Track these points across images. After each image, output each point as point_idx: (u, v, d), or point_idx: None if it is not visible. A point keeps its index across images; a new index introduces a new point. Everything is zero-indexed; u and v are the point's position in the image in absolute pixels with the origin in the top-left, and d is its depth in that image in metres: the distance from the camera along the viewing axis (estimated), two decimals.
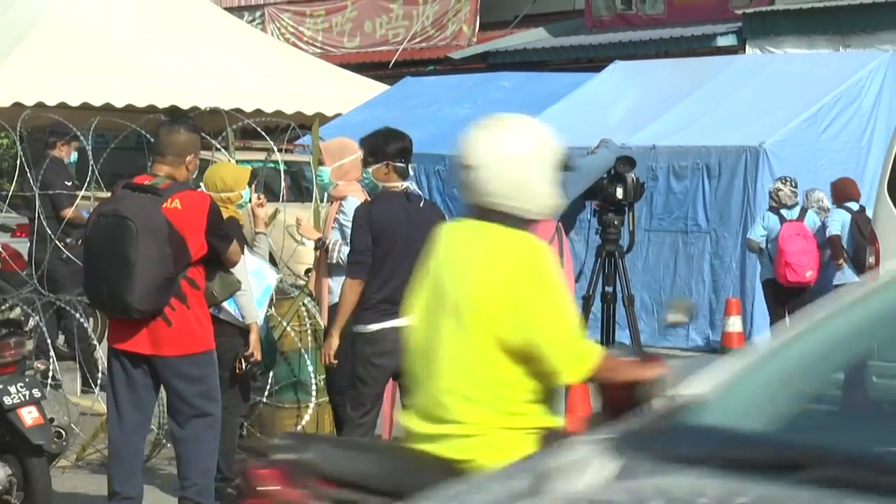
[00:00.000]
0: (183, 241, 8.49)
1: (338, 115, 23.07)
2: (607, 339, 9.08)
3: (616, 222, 9.08)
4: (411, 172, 9.45)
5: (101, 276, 8.59)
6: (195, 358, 8.69)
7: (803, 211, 16.23)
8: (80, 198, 14.54)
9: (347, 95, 24.12)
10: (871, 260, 11.74)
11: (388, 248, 9.05)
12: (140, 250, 8.40)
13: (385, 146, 9.35)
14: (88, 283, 8.83)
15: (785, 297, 16.21)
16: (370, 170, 9.32)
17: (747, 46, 24.70)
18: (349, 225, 9.87)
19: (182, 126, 8.88)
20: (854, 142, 18.17)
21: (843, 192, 16.30)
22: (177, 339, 8.60)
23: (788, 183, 16.28)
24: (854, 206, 16.10)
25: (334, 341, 9.25)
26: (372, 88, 24.51)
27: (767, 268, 16.26)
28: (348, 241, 9.84)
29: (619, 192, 8.94)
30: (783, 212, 16.10)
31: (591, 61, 24.58)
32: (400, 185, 9.28)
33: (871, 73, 18.54)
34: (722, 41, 25.12)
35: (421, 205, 9.17)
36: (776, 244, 15.94)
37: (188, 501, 8.70)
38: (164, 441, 10.98)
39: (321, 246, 10.16)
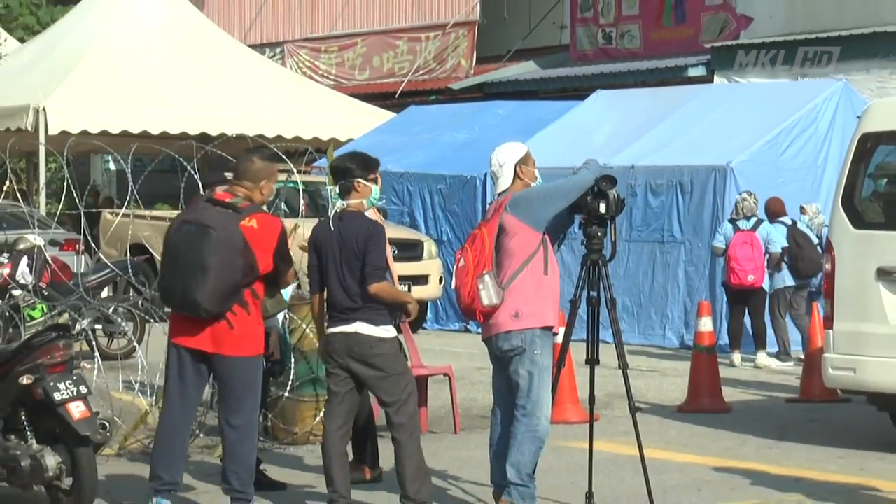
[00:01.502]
0: (254, 256, 8.54)
1: (350, 139, 23.09)
2: (592, 337, 9.04)
3: (599, 234, 9.04)
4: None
5: (177, 275, 8.64)
6: (249, 360, 8.70)
7: (758, 222, 16.41)
8: (120, 215, 14.54)
9: (358, 122, 24.16)
10: (827, 266, 11.71)
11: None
12: (216, 257, 8.47)
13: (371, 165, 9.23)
14: (163, 279, 8.88)
15: (738, 298, 16.48)
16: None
17: (715, 77, 24.73)
18: None
19: (257, 155, 8.91)
20: (811, 161, 18.19)
21: (774, 210, 16.68)
22: (236, 342, 8.62)
23: (752, 196, 16.56)
24: (787, 220, 16.49)
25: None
26: (380, 116, 24.54)
27: (724, 272, 16.51)
28: None
29: (602, 207, 8.90)
30: (739, 222, 16.34)
31: (576, 90, 24.59)
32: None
33: (825, 101, 18.55)
34: (692, 72, 25.15)
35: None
36: (727, 251, 16.28)
37: (233, 492, 8.68)
38: (198, 431, 10.98)
39: None
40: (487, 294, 8.48)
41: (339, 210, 8.86)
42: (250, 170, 8.77)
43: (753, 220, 16.51)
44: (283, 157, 13.59)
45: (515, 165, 8.77)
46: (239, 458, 8.65)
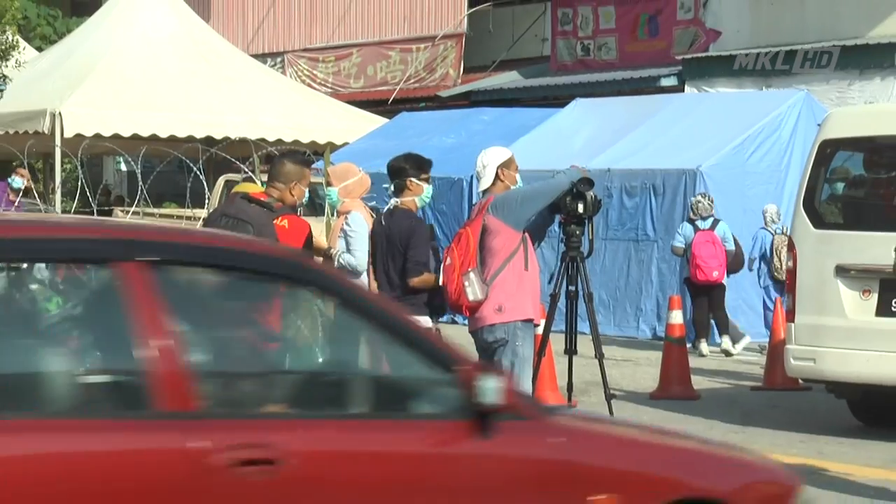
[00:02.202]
0: None
1: (345, 143, 23.07)
2: (570, 328, 9.06)
3: (578, 232, 9.07)
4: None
5: None
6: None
7: (715, 222, 16.51)
8: (130, 213, 14.49)
9: (353, 127, 24.13)
10: (790, 264, 11.72)
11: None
12: None
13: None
14: None
15: (700, 292, 16.54)
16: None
17: (686, 86, 24.74)
18: (353, 235, 9.89)
19: (288, 158, 8.87)
20: (775, 166, 18.21)
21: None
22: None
23: (706, 197, 16.65)
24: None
25: None
26: (373, 121, 24.51)
27: (686, 269, 16.56)
28: (350, 249, 9.88)
29: (580, 208, 8.93)
30: (697, 223, 16.40)
31: (556, 99, 24.59)
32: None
33: (788, 109, 18.58)
34: (665, 82, 25.15)
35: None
36: (691, 249, 16.24)
37: None
38: None
39: (327, 255, 10.11)
40: (472, 290, 8.50)
41: (391, 207, 8.91)
42: (282, 172, 8.71)
43: (710, 220, 16.61)
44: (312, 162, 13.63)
45: (498, 168, 8.79)
46: None
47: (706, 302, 16.75)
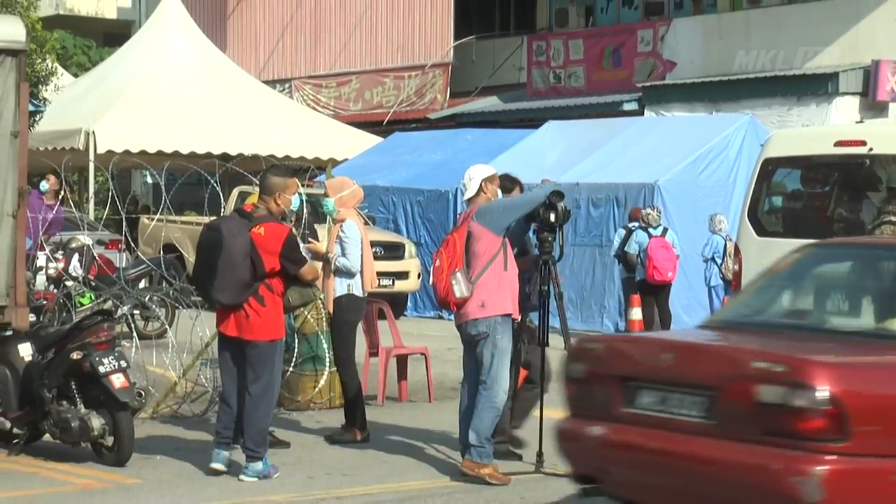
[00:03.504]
0: (260, 257, 8.51)
1: (345, 159, 23.08)
2: (543, 323, 9.06)
3: (550, 239, 9.07)
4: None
5: (200, 272, 8.73)
6: (265, 344, 8.64)
7: (665, 230, 16.53)
8: (154, 220, 14.47)
9: (352, 145, 24.14)
10: (736, 267, 11.75)
11: None
12: (222, 259, 8.49)
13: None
14: (194, 276, 8.97)
15: (650, 291, 16.49)
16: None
17: (645, 110, 24.79)
18: (347, 241, 9.92)
19: (271, 172, 8.94)
20: (723, 181, 18.23)
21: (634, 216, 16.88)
22: (254, 328, 8.59)
23: (655, 209, 16.70)
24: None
25: None
26: (370, 140, 24.52)
27: (640, 271, 16.52)
28: (344, 253, 9.87)
29: (552, 217, 8.94)
30: (650, 230, 16.42)
31: (532, 121, 24.60)
32: None
33: (735, 131, 18.61)
34: (627, 106, 25.20)
35: None
36: (646, 254, 16.25)
37: (246, 450, 8.70)
38: (218, 399, 10.93)
39: (325, 258, 10.10)
40: (459, 288, 8.52)
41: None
42: (265, 185, 8.81)
43: (660, 228, 16.63)
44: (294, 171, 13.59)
45: (482, 181, 8.83)
46: (252, 422, 8.63)
47: (654, 300, 16.76)
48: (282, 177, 8.83)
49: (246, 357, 8.66)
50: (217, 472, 8.71)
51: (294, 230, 9.24)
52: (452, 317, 8.93)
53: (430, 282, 8.78)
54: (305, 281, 8.80)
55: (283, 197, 8.75)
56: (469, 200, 8.86)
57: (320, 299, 10.37)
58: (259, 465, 8.65)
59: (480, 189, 8.81)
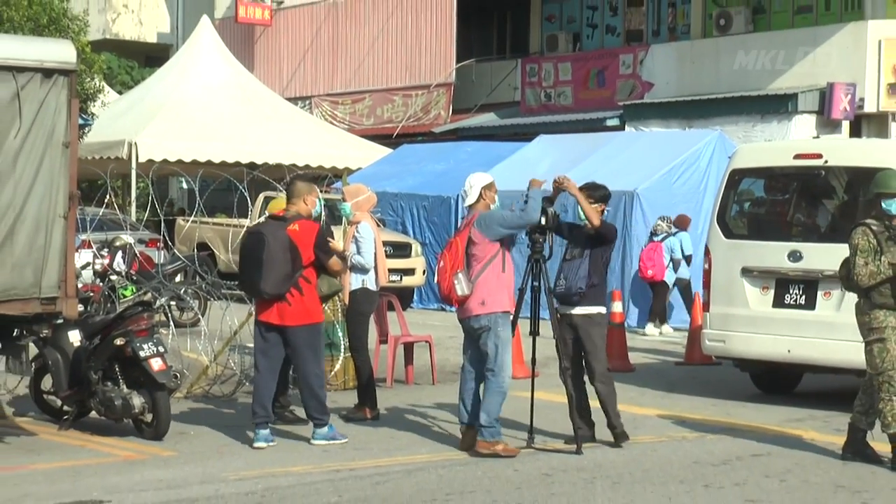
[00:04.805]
0: (298, 250, 8.72)
1: (359, 168, 23.06)
2: (534, 316, 9.05)
3: (541, 240, 9.08)
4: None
5: (246, 269, 8.83)
6: (305, 327, 8.80)
7: (666, 236, 16.64)
8: (189, 221, 14.44)
9: (365, 156, 24.12)
10: (706, 266, 11.73)
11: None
12: (267, 255, 8.65)
13: (595, 193, 9.47)
14: (240, 274, 9.05)
15: (650, 287, 16.63)
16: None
17: (626, 126, 24.78)
18: (362, 241, 9.96)
19: (297, 179, 9.32)
20: (695, 189, 18.21)
21: (680, 223, 17.20)
22: (295, 315, 8.74)
23: (665, 220, 16.79)
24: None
25: None
26: (381, 151, 24.51)
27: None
28: (360, 251, 9.89)
29: (543, 220, 8.96)
30: (654, 238, 16.58)
31: (525, 135, 24.58)
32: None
33: (706, 145, 18.58)
34: (610, 122, 25.18)
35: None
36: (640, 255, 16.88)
37: (312, 417, 8.91)
38: (245, 381, 10.95)
39: (342, 255, 10.11)
40: (461, 287, 8.53)
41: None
42: (292, 190, 9.03)
43: (662, 235, 16.80)
44: (305, 177, 13.59)
45: (481, 189, 8.83)
46: (312, 394, 8.84)
47: (652, 294, 16.97)
48: (306, 182, 9.13)
49: (290, 342, 8.78)
50: (262, 449, 8.74)
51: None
52: (454, 310, 8.93)
53: (436, 279, 8.79)
54: (333, 272, 8.98)
55: (309, 198, 8.99)
56: (470, 206, 8.85)
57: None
58: (325, 429, 8.90)
59: (480, 196, 8.82)
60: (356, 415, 10.02)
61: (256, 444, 8.79)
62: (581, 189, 9.39)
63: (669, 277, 16.94)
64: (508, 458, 8.47)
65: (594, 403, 9.11)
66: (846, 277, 8.58)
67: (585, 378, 9.14)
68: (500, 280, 8.62)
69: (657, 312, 16.93)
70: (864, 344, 8.50)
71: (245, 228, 9.48)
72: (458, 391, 8.96)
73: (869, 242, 8.38)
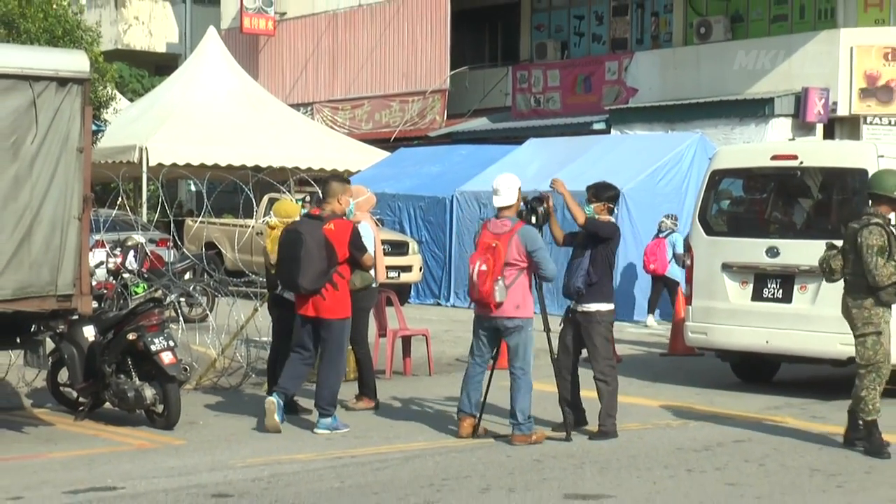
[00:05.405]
0: (333, 248, 8.80)
1: (359, 170, 23.04)
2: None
3: None
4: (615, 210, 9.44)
5: (285, 266, 8.90)
6: (337, 321, 8.89)
7: (670, 233, 16.67)
8: (198, 222, 14.42)
9: (364, 159, 24.11)
10: (688, 262, 11.74)
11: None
12: (305, 252, 8.71)
13: (602, 193, 9.35)
14: (279, 270, 9.12)
15: (653, 280, 16.87)
16: (593, 206, 9.38)
17: (612, 129, 24.78)
18: (363, 239, 9.89)
19: (332, 179, 9.30)
20: (677, 189, 18.23)
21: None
22: (329, 309, 8.83)
23: (670, 218, 16.82)
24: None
25: None
26: (379, 154, 24.50)
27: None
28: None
29: (534, 219, 8.98)
30: (659, 234, 16.67)
31: (516, 138, 24.57)
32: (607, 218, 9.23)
33: (687, 147, 18.59)
34: (596, 126, 25.19)
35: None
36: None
37: (319, 407, 8.94)
38: (251, 373, 10.94)
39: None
40: (501, 293, 8.51)
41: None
42: (327, 190, 9.09)
43: (666, 231, 16.83)
44: (312, 181, 13.55)
45: (518, 189, 8.82)
46: (327, 385, 8.87)
47: (653, 288, 17.04)
48: (340, 182, 9.15)
49: (322, 335, 8.86)
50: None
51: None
52: (472, 306, 8.86)
53: (472, 278, 8.52)
54: (365, 267, 9.10)
55: (343, 198, 9.04)
56: (504, 208, 8.78)
57: None
58: (329, 420, 8.91)
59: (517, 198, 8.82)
60: (357, 405, 10.02)
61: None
62: (591, 187, 9.41)
63: (672, 272, 16.95)
64: (536, 444, 8.52)
65: (591, 394, 9.11)
66: (830, 271, 8.51)
67: (584, 371, 9.14)
68: (528, 287, 8.67)
69: (652, 305, 17.08)
70: (856, 336, 8.41)
71: (287, 226, 9.35)
72: (454, 382, 8.95)
73: (886, 242, 8.25)
